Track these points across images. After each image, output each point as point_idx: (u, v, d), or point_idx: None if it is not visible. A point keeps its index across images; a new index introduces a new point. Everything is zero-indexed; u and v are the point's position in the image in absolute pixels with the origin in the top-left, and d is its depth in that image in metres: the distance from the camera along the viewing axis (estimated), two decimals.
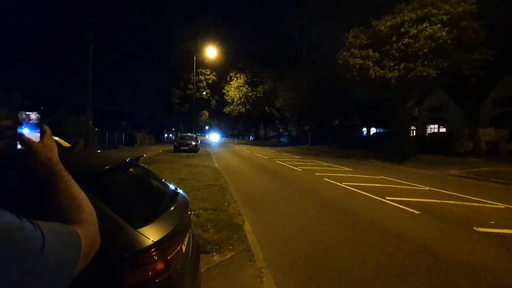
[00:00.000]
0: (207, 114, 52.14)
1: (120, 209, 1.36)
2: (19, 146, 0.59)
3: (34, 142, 0.59)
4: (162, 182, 2.13)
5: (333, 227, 4.80)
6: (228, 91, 45.69)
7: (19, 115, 0.62)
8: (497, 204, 6.38)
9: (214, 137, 76.46)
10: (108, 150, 9.60)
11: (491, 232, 4.56)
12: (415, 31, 15.87)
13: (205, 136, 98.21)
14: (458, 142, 19.74)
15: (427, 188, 8.27)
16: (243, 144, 44.46)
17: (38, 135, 0.63)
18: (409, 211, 5.72)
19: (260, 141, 57.01)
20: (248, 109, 46.17)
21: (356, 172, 11.70)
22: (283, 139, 53.07)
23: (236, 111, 46.92)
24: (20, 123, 0.61)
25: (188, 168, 11.17)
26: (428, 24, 15.70)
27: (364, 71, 17.45)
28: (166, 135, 51.39)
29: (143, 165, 2.17)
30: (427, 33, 15.48)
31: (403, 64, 16.27)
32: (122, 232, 1.29)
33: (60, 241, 0.50)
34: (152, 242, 1.31)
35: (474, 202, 6.57)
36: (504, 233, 4.54)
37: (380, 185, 8.71)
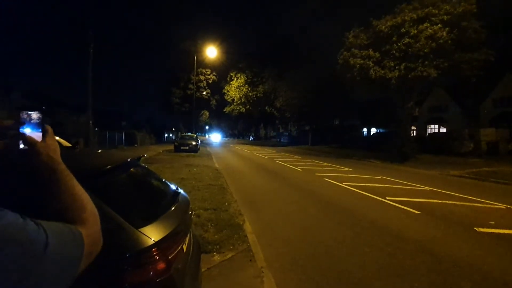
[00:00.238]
0: (207, 114, 52.17)
1: (121, 209, 1.36)
2: (21, 146, 0.59)
3: (36, 141, 0.59)
4: (163, 182, 2.13)
5: (333, 227, 4.80)
6: (228, 91, 45.71)
7: (21, 115, 0.62)
8: (497, 204, 6.38)
9: (215, 137, 73.92)
10: (109, 150, 9.61)
11: (491, 233, 4.56)
12: (416, 31, 15.87)
13: (205, 136, 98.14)
14: (459, 142, 19.73)
15: (427, 188, 8.27)
16: (243, 144, 44.46)
17: (40, 134, 0.63)
18: (409, 211, 5.72)
19: (260, 141, 57.00)
20: (248, 109, 46.18)
21: (356, 172, 11.70)
22: (283, 139, 53.05)
23: (236, 111, 46.94)
24: (22, 123, 0.62)
25: (189, 168, 11.17)
26: (428, 24, 15.70)
27: (365, 71, 17.45)
28: (166, 135, 51.41)
29: (144, 164, 2.17)
30: (428, 33, 15.48)
31: (403, 64, 16.26)
32: (123, 232, 1.29)
33: (63, 241, 0.50)
34: (154, 242, 1.31)
35: (475, 202, 6.57)
36: (504, 234, 4.54)
37: (380, 185, 8.71)
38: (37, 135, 0.62)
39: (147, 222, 1.40)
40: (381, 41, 17.45)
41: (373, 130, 39.41)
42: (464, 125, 26.05)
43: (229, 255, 3.44)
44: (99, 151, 2.32)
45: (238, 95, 44.97)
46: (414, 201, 6.55)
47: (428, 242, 4.11)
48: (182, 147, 20.69)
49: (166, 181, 2.17)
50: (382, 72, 16.80)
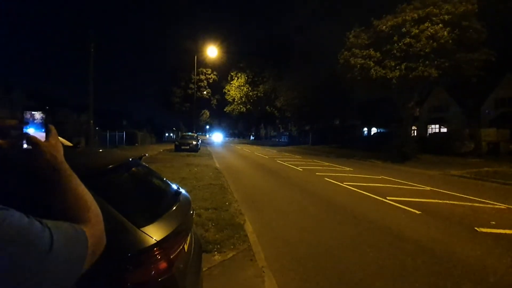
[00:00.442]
0: (207, 113, 52.22)
1: (123, 208, 1.36)
2: (25, 146, 0.59)
3: (40, 141, 0.59)
4: (164, 181, 2.13)
5: (334, 227, 4.80)
6: (229, 91, 45.72)
7: (25, 114, 0.62)
8: (498, 205, 6.37)
9: (217, 136, 68.83)
10: (110, 149, 9.63)
11: (492, 233, 4.56)
12: (417, 31, 15.84)
13: (206, 135, 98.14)
14: (459, 142, 19.72)
15: (428, 188, 8.26)
16: (243, 143, 44.47)
17: (44, 134, 0.63)
18: (410, 211, 5.72)
19: (260, 140, 57.03)
20: (248, 109, 46.21)
21: (357, 172, 11.70)
22: (284, 139, 53.06)
23: (237, 110, 46.96)
24: (25, 123, 0.61)
25: (189, 167, 11.18)
26: (429, 24, 15.67)
27: (365, 71, 17.44)
28: (166, 134, 51.50)
29: (145, 164, 2.17)
30: (429, 33, 15.46)
31: (404, 64, 16.25)
32: (125, 231, 1.29)
33: (67, 241, 0.50)
34: (155, 241, 1.31)
35: (475, 203, 6.56)
36: (505, 234, 4.54)
37: (381, 185, 8.70)
38: (40, 135, 0.62)
39: (149, 221, 1.40)
40: (382, 41, 17.43)
41: (374, 130, 39.37)
42: (464, 125, 26.00)
43: (230, 255, 3.45)
44: (100, 150, 2.32)
45: (239, 95, 44.98)
46: (414, 201, 6.55)
47: (428, 242, 4.10)
48: (182, 147, 20.72)
49: (167, 181, 2.17)
50: (383, 72, 16.78)
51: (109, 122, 28.55)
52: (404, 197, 6.85)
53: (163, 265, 1.32)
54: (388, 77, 16.58)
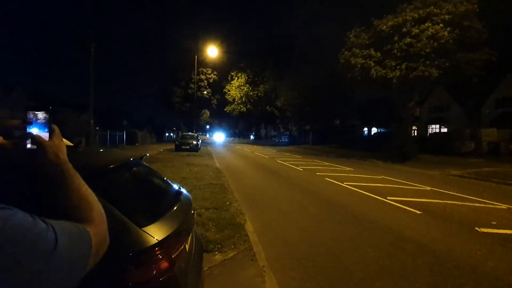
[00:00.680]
0: (208, 113, 52.22)
1: (124, 208, 1.36)
2: (28, 146, 0.59)
3: (45, 140, 0.59)
4: (165, 181, 2.13)
5: (334, 227, 4.80)
6: (229, 90, 45.70)
7: (28, 114, 0.63)
8: (498, 205, 6.37)
9: (218, 136, 65.28)
10: (111, 149, 9.61)
11: (492, 233, 4.56)
12: (417, 31, 15.82)
13: (206, 135, 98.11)
14: (460, 142, 19.71)
15: (428, 188, 8.26)
16: (244, 143, 44.48)
17: (47, 134, 0.63)
18: (410, 211, 5.72)
19: (261, 140, 57.01)
20: (249, 109, 46.18)
21: (357, 172, 11.69)
22: (284, 139, 53.03)
23: (237, 110, 46.94)
24: (29, 123, 0.61)
25: (189, 167, 11.18)
26: (430, 24, 15.65)
27: (366, 71, 17.42)
28: (167, 134, 51.51)
29: (146, 164, 2.17)
30: (429, 33, 15.44)
31: (404, 64, 16.23)
32: (127, 231, 1.29)
33: (71, 240, 0.50)
34: (157, 241, 1.31)
35: (476, 203, 6.56)
36: (506, 234, 4.53)
37: (381, 185, 8.70)
38: (44, 135, 0.62)
39: (150, 221, 1.40)
40: (382, 41, 17.41)
41: (374, 130, 39.37)
42: (465, 125, 26.00)
43: (231, 254, 3.45)
44: (101, 150, 2.32)
45: (239, 95, 44.96)
46: (415, 201, 6.54)
47: (429, 242, 4.10)
48: (183, 146, 20.72)
49: (168, 181, 2.18)
50: (383, 72, 16.76)
51: (110, 122, 28.56)
52: (404, 197, 6.85)
53: (164, 264, 1.32)
54: (388, 77, 16.56)
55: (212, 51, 28.86)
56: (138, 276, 1.25)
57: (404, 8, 17.29)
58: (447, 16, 15.56)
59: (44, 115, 0.64)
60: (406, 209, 5.86)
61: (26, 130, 0.60)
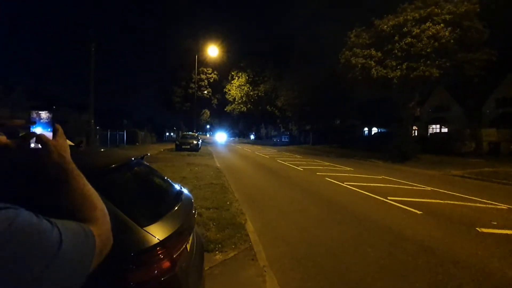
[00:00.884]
0: (208, 113, 52.17)
1: (125, 208, 1.37)
2: (32, 145, 0.59)
3: (50, 140, 0.59)
4: (167, 181, 2.13)
5: (334, 227, 4.80)
6: (229, 90, 45.67)
7: (31, 114, 0.63)
8: (499, 205, 6.36)
9: (220, 136, 62.30)
10: (112, 149, 9.62)
11: (493, 233, 4.56)
12: (418, 31, 15.81)
13: (206, 135, 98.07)
14: (460, 142, 19.70)
15: (429, 188, 8.25)
16: (244, 143, 44.48)
17: (51, 133, 0.64)
18: (411, 211, 5.71)
19: (261, 140, 57.01)
20: (249, 108, 46.13)
21: (357, 172, 11.69)
22: (284, 139, 53.01)
23: (237, 110, 46.90)
24: (33, 122, 0.61)
25: (190, 167, 11.19)
26: (431, 24, 15.63)
27: (366, 71, 17.41)
28: (167, 133, 51.48)
29: (147, 163, 2.17)
30: (430, 33, 15.42)
31: (405, 63, 16.21)
32: (128, 231, 1.29)
33: (76, 240, 0.50)
34: (158, 241, 1.32)
35: (476, 203, 6.56)
36: (506, 234, 4.53)
37: (381, 185, 8.70)
38: (47, 134, 0.62)
39: (151, 221, 1.41)
40: (383, 41, 17.39)
41: (374, 130, 39.34)
42: (465, 125, 25.97)
43: (231, 254, 3.45)
44: (102, 150, 2.33)
45: (239, 94, 44.93)
46: (415, 201, 6.54)
47: (430, 242, 4.10)
48: (183, 146, 20.73)
49: (170, 180, 2.18)
50: (384, 71, 16.75)
51: (110, 122, 28.56)
52: (405, 197, 6.85)
53: (166, 264, 1.32)
54: (389, 77, 16.54)
55: (213, 51, 28.86)
56: (139, 276, 1.26)
57: (405, 8, 17.27)
58: (447, 16, 15.54)
59: (47, 114, 0.64)
60: (406, 209, 5.86)
61: (29, 130, 0.60)
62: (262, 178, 10.12)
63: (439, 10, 15.83)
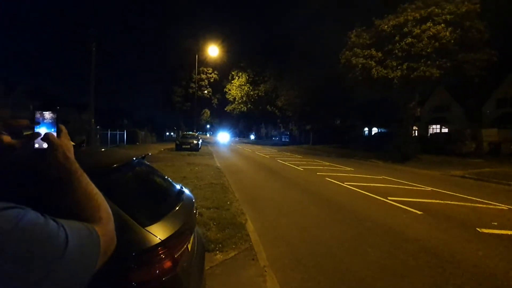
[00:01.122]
0: (208, 112, 52.19)
1: (127, 208, 1.37)
2: (36, 145, 0.60)
3: (56, 139, 0.60)
4: (168, 180, 2.14)
5: (335, 227, 4.80)
6: (229, 90, 45.64)
7: (36, 114, 0.63)
8: (499, 205, 6.36)
9: (222, 136, 58.29)
10: (114, 149, 9.61)
11: (493, 233, 4.56)
12: (419, 31, 15.78)
13: (207, 134, 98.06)
14: (460, 142, 19.66)
15: (429, 188, 8.25)
16: (244, 143, 44.48)
17: (55, 134, 0.64)
18: (411, 211, 5.72)
19: (261, 140, 57.01)
20: (249, 108, 46.11)
21: (357, 172, 11.69)
22: (285, 139, 53.01)
23: (238, 110, 46.88)
24: (37, 123, 0.62)
25: (190, 166, 11.19)
26: (431, 24, 15.61)
27: (367, 71, 17.39)
28: (167, 133, 51.51)
29: (148, 163, 2.18)
30: (431, 33, 15.40)
31: (406, 64, 16.19)
32: (130, 230, 1.30)
33: (81, 240, 0.51)
34: (160, 241, 1.32)
35: (477, 203, 6.55)
36: (507, 234, 4.53)
37: (382, 185, 8.70)
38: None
39: (153, 220, 1.41)
40: (383, 41, 17.37)
41: (374, 130, 39.32)
42: (466, 125, 25.95)
43: (232, 254, 3.46)
44: (103, 149, 2.32)
45: (240, 94, 44.90)
46: (416, 201, 6.54)
47: (430, 242, 4.10)
48: (183, 146, 20.73)
49: (171, 180, 2.18)
50: (384, 72, 16.73)
51: (110, 121, 28.57)
52: (405, 197, 6.85)
53: (167, 264, 1.33)
54: (389, 77, 16.53)
55: (213, 51, 28.85)
56: (141, 275, 1.26)
57: (405, 8, 17.24)
58: (448, 16, 15.51)
59: (51, 114, 0.64)
60: (406, 209, 5.86)
61: (34, 130, 0.60)
62: (263, 178, 10.12)
63: (440, 10, 15.80)
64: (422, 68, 15.71)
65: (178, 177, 8.42)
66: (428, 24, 15.67)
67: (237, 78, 44.80)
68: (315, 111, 34.57)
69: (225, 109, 48.67)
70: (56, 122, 0.64)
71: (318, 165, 14.26)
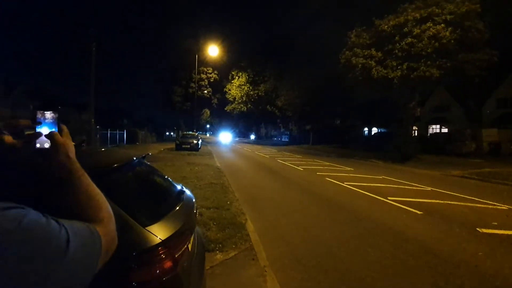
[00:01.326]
0: (208, 112, 52.18)
1: (128, 207, 1.37)
2: (37, 145, 0.60)
3: (60, 139, 0.60)
4: (168, 180, 2.14)
5: (335, 227, 4.80)
6: (229, 90, 45.64)
7: (37, 114, 0.63)
8: (500, 205, 6.36)
9: (224, 136, 55.86)
10: (114, 148, 9.62)
11: (493, 233, 4.56)
12: (419, 31, 15.79)
13: (207, 134, 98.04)
14: (461, 142, 19.67)
15: (429, 188, 8.25)
16: (244, 143, 44.48)
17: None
18: (411, 211, 5.72)
19: (261, 140, 56.99)
20: (249, 108, 46.11)
21: (357, 172, 11.69)
22: (284, 139, 53.01)
23: (238, 109, 46.88)
24: (38, 123, 0.62)
25: (190, 166, 11.19)
26: (431, 24, 15.61)
27: (367, 71, 17.40)
28: (167, 133, 51.54)
29: (148, 163, 2.18)
30: (431, 33, 15.40)
31: (406, 64, 16.20)
32: (130, 230, 1.30)
33: (83, 240, 0.51)
34: (160, 241, 1.32)
35: (477, 203, 6.55)
36: (507, 235, 4.53)
37: (382, 185, 8.70)
38: None
39: (153, 220, 1.41)
40: (383, 41, 17.38)
41: (374, 130, 39.33)
42: (466, 125, 25.95)
43: (232, 254, 3.46)
44: (103, 149, 2.33)
45: (240, 94, 44.89)
46: (416, 201, 6.54)
47: (430, 242, 4.10)
48: (183, 146, 20.73)
49: (171, 180, 2.18)
50: (385, 72, 16.74)
51: (110, 121, 28.57)
52: (405, 197, 6.85)
53: (168, 264, 1.33)
54: (389, 77, 16.53)
55: (213, 51, 28.85)
56: (141, 275, 1.26)
57: (405, 8, 17.25)
58: (448, 16, 15.51)
59: (52, 114, 0.64)
60: (407, 209, 5.86)
61: (35, 130, 0.60)
62: (263, 178, 10.12)
63: (440, 10, 15.80)
64: (422, 68, 15.71)
65: (178, 177, 8.42)
66: (428, 24, 15.67)
67: (237, 78, 44.79)
68: (315, 111, 34.59)
69: (225, 109, 48.66)
70: (57, 122, 0.64)
71: (318, 165, 14.26)
